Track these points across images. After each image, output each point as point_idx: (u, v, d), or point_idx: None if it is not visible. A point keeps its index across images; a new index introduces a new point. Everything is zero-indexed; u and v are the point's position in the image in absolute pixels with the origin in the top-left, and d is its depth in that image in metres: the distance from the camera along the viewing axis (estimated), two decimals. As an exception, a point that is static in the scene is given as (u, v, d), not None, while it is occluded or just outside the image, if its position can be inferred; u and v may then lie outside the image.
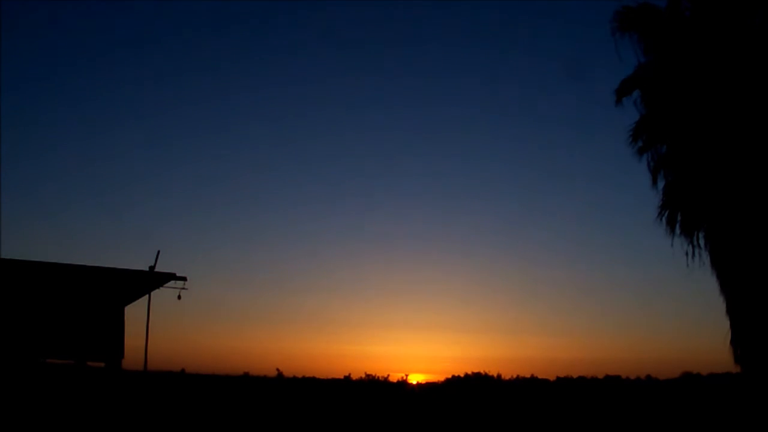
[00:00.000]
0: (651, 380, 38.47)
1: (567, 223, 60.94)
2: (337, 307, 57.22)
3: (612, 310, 58.07)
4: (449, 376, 40.30)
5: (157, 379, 26.32)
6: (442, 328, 57.00)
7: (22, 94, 54.84)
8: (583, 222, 61.26)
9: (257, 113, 60.80)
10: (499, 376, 38.85)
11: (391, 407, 25.73)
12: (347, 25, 58.62)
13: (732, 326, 14.65)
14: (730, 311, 14.70)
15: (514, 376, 39.28)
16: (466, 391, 34.80)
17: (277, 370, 35.15)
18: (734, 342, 14.61)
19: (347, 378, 36.18)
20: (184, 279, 18.51)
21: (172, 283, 18.57)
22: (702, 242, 15.24)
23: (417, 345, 54.09)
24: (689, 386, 33.81)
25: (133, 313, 19.11)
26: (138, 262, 30.49)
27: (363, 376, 35.81)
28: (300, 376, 36.40)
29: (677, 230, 15.36)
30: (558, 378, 39.75)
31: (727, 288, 14.73)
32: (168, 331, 44.83)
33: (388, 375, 36.00)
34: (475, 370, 39.13)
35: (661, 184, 15.63)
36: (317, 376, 37.44)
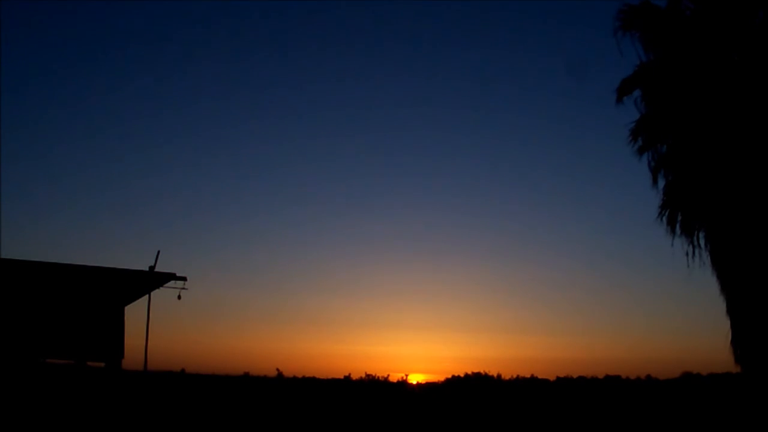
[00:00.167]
0: (651, 380, 38.42)
1: (567, 223, 60.93)
2: (337, 307, 57.22)
3: (612, 310, 58.07)
4: (449, 376, 40.29)
5: (157, 379, 26.32)
6: (442, 328, 57.03)
7: (22, 94, 54.87)
8: (583, 222, 61.19)
9: (257, 113, 60.81)
10: (499, 376, 38.84)
11: (391, 407, 25.73)
12: (347, 25, 58.64)
13: (732, 326, 14.64)
14: (730, 311, 14.69)
15: (514, 376, 39.27)
16: (466, 391, 34.79)
17: (277, 370, 35.16)
18: (734, 342, 14.60)
19: (347, 378, 36.18)
20: (184, 279, 18.53)
21: (172, 283, 18.59)
22: (702, 242, 15.24)
23: (417, 345, 54.09)
24: (689, 386, 33.77)
25: (133, 313, 19.14)
26: (138, 262, 30.54)
27: (363, 376, 35.82)
28: (300, 376, 36.43)
29: (677, 230, 15.35)
30: (558, 378, 39.74)
31: (727, 288, 14.73)
32: (168, 331, 44.84)
33: (388, 375, 36.01)
34: (475, 370, 39.13)
35: (661, 184, 15.63)
36: (317, 376, 37.46)
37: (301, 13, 57.47)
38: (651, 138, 15.61)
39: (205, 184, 61.45)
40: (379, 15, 57.19)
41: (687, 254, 15.24)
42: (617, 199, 57.82)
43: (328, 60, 58.51)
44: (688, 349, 56.57)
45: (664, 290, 54.54)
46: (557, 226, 60.50)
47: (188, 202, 59.97)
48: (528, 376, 39.10)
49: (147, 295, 18.92)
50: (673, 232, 15.33)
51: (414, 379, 36.98)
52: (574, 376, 39.72)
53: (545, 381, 39.01)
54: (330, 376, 37.59)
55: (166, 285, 18.68)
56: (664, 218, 15.45)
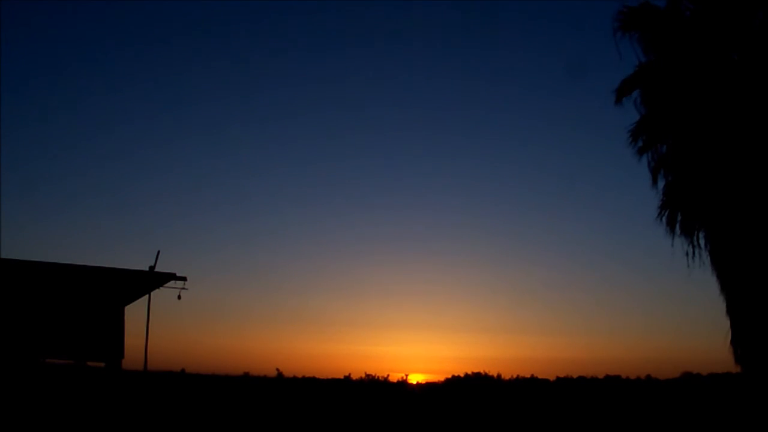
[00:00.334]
0: (651, 380, 38.43)
1: (567, 223, 60.96)
2: (337, 307, 57.25)
3: (612, 310, 58.09)
4: (449, 376, 40.32)
5: (157, 379, 26.31)
6: (442, 328, 57.04)
7: (22, 94, 54.88)
8: (583, 222, 61.23)
9: (257, 113, 60.85)
10: (499, 376, 38.87)
11: (391, 407, 25.73)
12: (347, 25, 58.63)
13: (732, 326, 14.64)
14: (730, 311, 14.69)
15: (514, 376, 39.29)
16: (466, 391, 34.79)
17: (277, 370, 35.18)
18: (734, 342, 14.60)
19: (347, 378, 36.20)
20: (184, 279, 18.53)
21: (172, 283, 18.58)
22: (702, 242, 15.24)
23: (417, 345, 54.11)
24: (689, 386, 33.78)
25: (133, 313, 19.14)
26: (138, 262, 30.56)
27: (363, 376, 35.84)
28: (300, 376, 36.45)
29: (677, 230, 15.35)
30: (558, 378, 39.75)
31: (727, 288, 14.73)
32: (168, 331, 44.85)
33: (388, 375, 36.03)
34: (475, 370, 39.15)
35: (661, 184, 15.63)
36: (317, 376, 37.48)
37: (302, 14, 57.55)
38: (651, 138, 15.61)
39: (205, 184, 61.53)
40: (379, 16, 57.22)
41: (687, 254, 15.26)
42: (617, 200, 57.90)
43: (329, 60, 58.56)
44: (688, 349, 56.61)
45: (664, 290, 54.59)
46: (557, 227, 60.56)
47: (188, 202, 60.03)
48: (528, 376, 39.15)
49: (147, 295, 18.92)
50: (672, 232, 15.34)
51: (414, 379, 37.03)
52: (574, 376, 39.77)
53: (545, 381, 39.04)
54: (330, 376, 37.64)
55: (166, 285, 18.68)
56: (664, 218, 15.46)
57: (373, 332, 56.81)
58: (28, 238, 47.32)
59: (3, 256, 17.91)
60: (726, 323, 14.73)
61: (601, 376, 39.36)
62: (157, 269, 18.20)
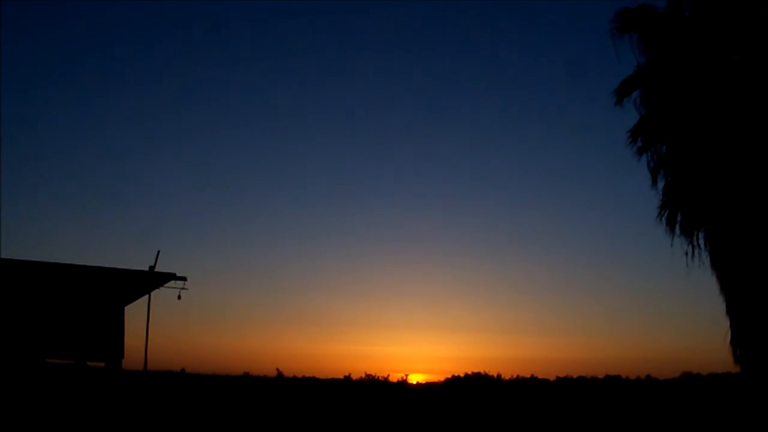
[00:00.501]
0: (651, 380, 38.45)
1: (567, 223, 60.97)
2: (337, 307, 57.25)
3: (612, 310, 58.09)
4: (449, 376, 40.33)
5: (157, 379, 26.32)
6: (442, 328, 57.04)
7: (23, 95, 54.87)
8: (583, 222, 61.26)
9: (258, 114, 60.87)
10: (499, 376, 38.88)
11: (391, 407, 25.73)
12: (348, 27, 58.65)
13: (732, 326, 14.65)
14: (730, 311, 14.70)
15: (514, 376, 39.31)
16: (466, 391, 34.80)
17: (277, 370, 35.20)
18: (734, 342, 14.61)
19: (347, 378, 36.22)
20: (184, 279, 18.53)
21: (172, 283, 18.59)
22: (702, 242, 15.25)
23: (417, 345, 54.14)
24: (689, 386, 33.78)
25: (133, 313, 19.15)
26: (138, 262, 30.56)
27: (363, 376, 35.85)
28: (300, 376, 36.46)
29: (677, 230, 15.36)
30: (558, 378, 39.78)
31: (726, 288, 14.73)
32: (168, 331, 44.85)
33: (388, 375, 36.03)
34: (475, 370, 39.16)
35: (660, 184, 15.64)
36: (317, 376, 37.50)
37: (301, 15, 57.56)
38: (650, 139, 15.62)
39: (205, 184, 61.58)
40: (379, 17, 57.25)
41: (686, 254, 15.27)
42: (617, 200, 57.94)
43: (329, 61, 58.59)
44: (688, 349, 56.64)
45: (664, 290, 54.62)
46: (557, 227, 60.58)
47: (188, 202, 60.05)
48: (528, 376, 39.17)
49: (147, 295, 18.92)
50: (672, 232, 15.35)
51: (414, 379, 37.03)
52: (574, 376, 39.78)
53: (545, 381, 39.06)
54: (330, 376, 37.66)
55: (166, 285, 18.69)
56: (664, 218, 15.46)
57: (373, 332, 56.85)
58: (28, 238, 47.37)
59: (3, 256, 17.93)
60: (726, 323, 14.75)
61: (601, 376, 39.41)
62: (157, 269, 18.21)
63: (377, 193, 61.54)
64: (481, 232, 62.56)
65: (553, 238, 60.09)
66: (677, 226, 15.35)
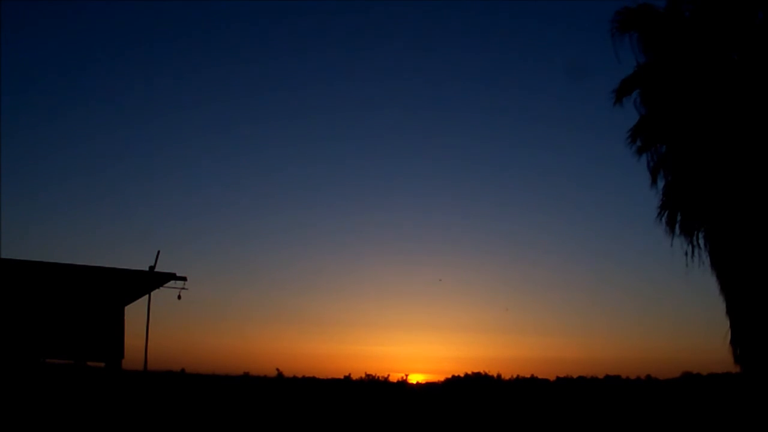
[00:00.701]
0: (651, 380, 38.44)
1: (567, 223, 60.97)
2: (337, 307, 57.26)
3: (612, 310, 58.07)
4: (449, 376, 40.30)
5: (157, 379, 26.32)
6: (442, 328, 57.02)
7: (23, 95, 54.89)
8: (582, 222, 61.25)
9: (258, 114, 60.91)
10: (499, 376, 38.85)
11: (391, 407, 25.73)
12: (347, 27, 58.65)
13: (732, 326, 14.65)
14: (730, 311, 14.71)
15: (514, 376, 39.28)
16: (466, 391, 34.79)
17: (277, 370, 35.16)
18: (734, 342, 14.61)
19: (347, 378, 36.18)
20: (184, 279, 18.52)
21: (172, 283, 18.58)
22: (702, 242, 15.26)
23: (417, 345, 54.13)
24: (689, 386, 33.78)
25: (133, 313, 19.14)
26: (138, 262, 30.56)
27: (363, 376, 35.82)
28: (300, 376, 36.44)
29: (677, 230, 15.37)
30: (558, 378, 39.76)
31: (726, 288, 14.74)
32: (168, 331, 44.84)
33: (388, 375, 36.00)
34: (475, 370, 39.13)
35: (660, 184, 15.66)
36: (317, 376, 37.48)
37: (301, 15, 57.56)
38: (650, 138, 15.62)
39: (206, 184, 61.56)
40: (379, 18, 57.25)
41: (686, 254, 15.28)
42: (617, 200, 57.92)
43: (329, 61, 58.59)
44: (688, 349, 56.62)
45: (664, 290, 54.62)
46: (557, 227, 60.58)
47: (188, 202, 60.06)
48: (528, 376, 39.14)
49: (147, 295, 18.92)
50: (672, 232, 15.36)
51: (414, 379, 37.01)
52: (574, 376, 39.76)
53: (545, 381, 39.03)
54: (330, 376, 37.64)
55: (166, 285, 18.68)
56: (664, 218, 15.47)
57: (374, 332, 56.84)
58: (28, 238, 47.36)
59: (3, 256, 17.94)
60: (726, 323, 14.76)
61: (601, 376, 39.40)
62: (157, 269, 18.20)
63: (377, 193, 61.59)
64: (480, 232, 62.61)
65: (552, 238, 60.15)
66: (677, 226, 15.35)
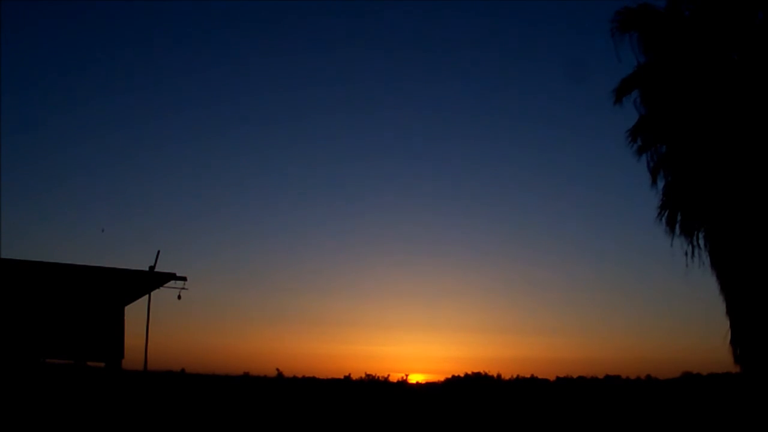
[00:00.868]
0: (651, 380, 38.45)
1: (567, 223, 60.91)
2: (337, 307, 57.24)
3: (612, 310, 58.08)
4: (449, 376, 40.32)
5: (157, 379, 26.32)
6: (442, 328, 57.03)
7: (23, 95, 54.85)
8: (582, 222, 61.22)
9: (258, 114, 60.86)
10: (499, 376, 38.87)
11: (391, 407, 25.73)
12: (345, 28, 58.63)
13: (732, 326, 14.65)
14: (730, 311, 14.71)
15: (514, 376, 39.29)
16: (466, 391, 34.79)
17: (277, 370, 35.18)
18: (734, 342, 14.62)
19: (347, 378, 36.20)
20: (184, 279, 18.51)
21: (172, 283, 18.56)
22: (702, 242, 15.26)
23: (417, 345, 54.13)
24: (689, 386, 33.78)
25: (133, 313, 19.12)
26: (138, 262, 30.54)
27: (363, 376, 35.84)
28: (300, 376, 36.45)
29: (677, 230, 15.37)
30: (558, 378, 39.76)
31: (727, 288, 14.74)
32: (168, 331, 44.83)
33: (388, 375, 36.03)
34: (475, 370, 39.15)
35: (660, 184, 15.66)
36: (317, 376, 37.49)
37: (301, 16, 57.56)
38: (650, 138, 15.62)
39: (206, 184, 61.56)
40: (378, 18, 57.25)
41: (686, 254, 15.29)
42: (617, 200, 57.91)
43: (328, 62, 58.55)
44: (688, 349, 56.60)
45: (664, 290, 54.56)
46: (557, 227, 60.51)
47: (188, 202, 60.02)
48: (528, 376, 39.15)
49: (147, 295, 18.91)
50: (672, 232, 15.36)
51: (414, 379, 37.03)
52: (574, 376, 39.77)
53: (545, 381, 39.04)
54: (330, 376, 37.64)
55: (166, 285, 18.66)
56: (664, 218, 15.47)
57: (373, 332, 56.85)
58: (28, 238, 47.36)
59: (3, 256, 17.93)
60: (726, 323, 14.76)
61: (601, 376, 39.42)
62: (157, 269, 18.19)
63: (377, 193, 61.57)
64: (480, 233, 62.56)
65: (552, 238, 60.11)
66: (677, 226, 15.36)
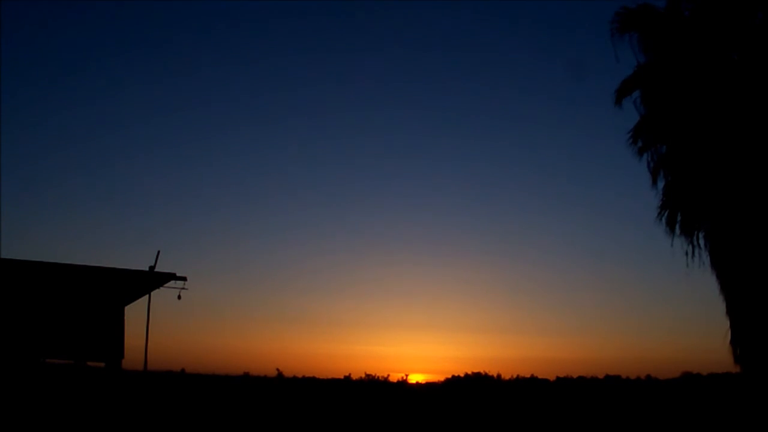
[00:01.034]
0: (651, 380, 38.49)
1: (567, 223, 61.01)
2: (337, 307, 57.31)
3: (612, 310, 58.14)
4: (449, 376, 40.39)
5: (157, 379, 26.33)
6: (442, 328, 57.10)
7: (23, 95, 54.90)
8: (583, 222, 61.28)
9: (258, 114, 60.91)
10: (499, 376, 38.92)
11: (391, 407, 25.73)
12: (345, 28, 58.64)
13: (732, 326, 14.64)
14: (730, 311, 14.70)
15: (514, 376, 39.35)
16: (466, 391, 34.81)
17: (277, 370, 35.23)
18: (734, 342, 14.60)
19: (347, 378, 36.25)
20: (184, 279, 18.51)
21: (172, 283, 18.57)
22: (702, 242, 15.25)
23: (417, 345, 54.20)
24: (689, 386, 33.79)
25: (133, 313, 19.13)
26: (138, 262, 30.57)
27: (363, 376, 35.90)
28: (300, 376, 36.48)
29: (677, 230, 15.35)
30: (558, 378, 39.82)
31: (727, 288, 14.73)
32: (168, 331, 44.88)
33: (388, 375, 36.09)
34: (475, 370, 39.21)
35: (661, 184, 15.64)
36: (317, 376, 37.53)
37: (301, 16, 57.56)
38: (650, 139, 15.61)
39: (206, 184, 61.61)
40: (377, 18, 57.25)
41: (686, 254, 15.27)
42: (617, 200, 57.96)
43: (328, 62, 58.60)
44: (688, 349, 56.68)
45: (664, 290, 54.63)
46: (557, 227, 60.63)
47: (188, 202, 60.09)
48: (528, 376, 39.19)
49: (147, 295, 18.91)
50: (672, 232, 15.34)
51: (414, 379, 37.06)
52: (574, 376, 39.82)
53: (545, 381, 39.08)
54: (330, 376, 37.69)
55: (166, 285, 18.66)
56: (664, 219, 15.46)
57: (373, 332, 56.93)
58: (28, 238, 47.37)
59: (3, 256, 17.93)
60: (726, 323, 14.75)
61: (601, 376, 39.46)
62: (157, 269, 18.19)
63: (377, 193, 61.61)
64: (480, 232, 62.62)
65: (553, 238, 60.21)
66: (677, 226, 15.34)
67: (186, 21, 56.52)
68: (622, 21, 15.48)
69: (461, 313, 59.70)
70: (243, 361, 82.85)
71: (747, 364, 14.50)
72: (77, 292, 18.35)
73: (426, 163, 61.50)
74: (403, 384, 35.74)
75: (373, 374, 35.74)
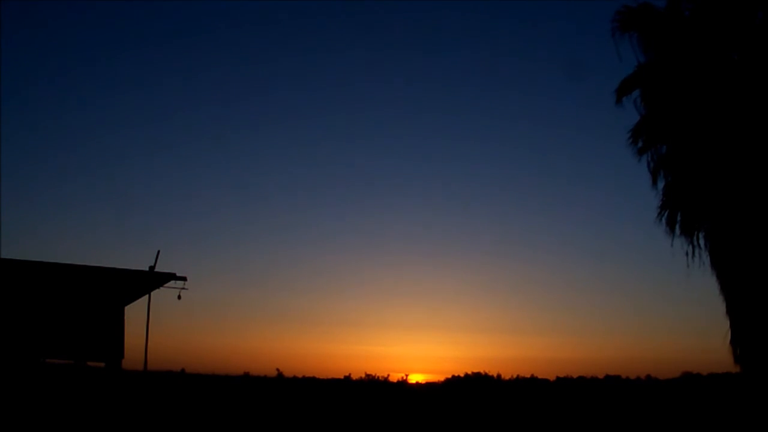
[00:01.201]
0: (651, 380, 38.52)
1: (567, 223, 61.00)
2: (337, 307, 57.32)
3: (612, 310, 58.13)
4: (449, 376, 40.40)
5: (157, 379, 26.33)
6: (442, 328, 57.11)
7: (23, 95, 54.87)
8: (583, 222, 61.29)
9: (258, 114, 60.92)
10: (499, 376, 38.93)
11: (391, 407, 25.73)
12: (345, 28, 58.64)
13: (732, 326, 14.64)
14: (730, 311, 14.69)
15: (514, 376, 39.37)
16: (466, 391, 34.81)
17: (277, 370, 35.24)
18: (734, 342, 14.60)
19: (347, 378, 36.27)
20: (184, 279, 18.51)
21: (172, 283, 18.57)
22: (702, 242, 15.24)
23: (417, 345, 54.21)
24: (689, 386, 33.79)
25: (133, 313, 19.13)
26: (138, 262, 30.55)
27: (363, 376, 35.91)
28: (300, 376, 36.49)
29: (677, 230, 15.34)
30: (558, 378, 39.84)
31: (727, 288, 14.72)
32: (168, 331, 44.85)
33: (388, 375, 36.11)
34: (475, 370, 39.21)
35: (661, 184, 15.62)
36: (317, 376, 37.54)
37: (301, 16, 57.56)
38: (650, 139, 15.60)
39: (206, 184, 61.59)
40: (377, 18, 57.25)
41: (687, 254, 15.25)
42: (617, 200, 57.96)
43: (329, 62, 58.60)
44: (688, 349, 56.72)
45: (664, 290, 54.62)
46: (557, 227, 60.64)
47: (188, 203, 60.10)
48: (528, 376, 39.20)
49: (147, 295, 18.91)
50: (672, 232, 15.33)
51: (414, 379, 37.07)
52: (574, 376, 39.83)
53: (545, 381, 39.10)
54: (330, 376, 37.70)
55: (166, 285, 18.67)
56: (664, 219, 15.45)
57: (373, 332, 56.93)
58: (28, 238, 47.37)
59: (3, 256, 17.93)
60: (726, 323, 14.74)
61: (601, 376, 39.48)
62: (157, 269, 18.19)
63: (377, 193, 61.62)
64: (481, 233, 62.60)
65: (553, 238, 60.21)
66: (677, 226, 15.34)
67: (186, 21, 56.55)
68: (622, 20, 15.47)
69: (461, 313, 59.74)
70: (243, 361, 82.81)
71: (747, 364, 14.49)
72: (77, 292, 18.35)
73: (426, 163, 61.54)
74: (403, 384, 35.76)
75: (373, 374, 35.80)
